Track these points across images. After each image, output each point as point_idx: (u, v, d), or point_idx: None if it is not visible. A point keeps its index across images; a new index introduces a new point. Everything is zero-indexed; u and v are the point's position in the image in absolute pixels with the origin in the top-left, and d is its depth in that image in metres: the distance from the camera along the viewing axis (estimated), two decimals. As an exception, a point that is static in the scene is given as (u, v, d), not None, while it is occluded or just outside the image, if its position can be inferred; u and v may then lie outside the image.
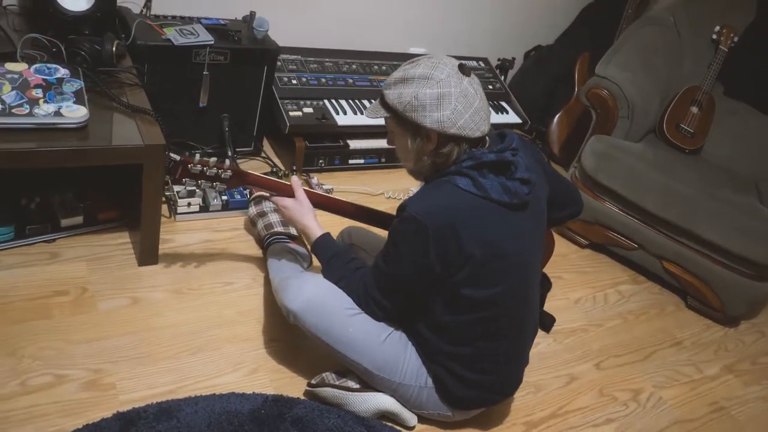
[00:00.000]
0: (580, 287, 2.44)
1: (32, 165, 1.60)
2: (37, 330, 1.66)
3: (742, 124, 2.75)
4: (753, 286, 2.36)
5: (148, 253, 1.92)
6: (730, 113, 2.77)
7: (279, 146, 2.61)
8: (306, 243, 1.75)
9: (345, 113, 2.54)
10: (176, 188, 2.09)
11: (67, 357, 1.61)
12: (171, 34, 2.13)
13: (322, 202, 1.81)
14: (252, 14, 2.33)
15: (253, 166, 2.50)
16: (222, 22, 2.33)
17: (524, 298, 1.60)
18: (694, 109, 2.70)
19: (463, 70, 1.45)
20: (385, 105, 1.50)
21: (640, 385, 2.08)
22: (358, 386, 1.66)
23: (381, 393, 1.66)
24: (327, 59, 2.67)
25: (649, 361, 2.20)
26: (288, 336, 1.85)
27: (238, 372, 1.72)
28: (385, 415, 1.68)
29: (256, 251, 2.12)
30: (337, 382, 1.67)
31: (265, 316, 1.90)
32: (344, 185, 2.57)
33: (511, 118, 2.97)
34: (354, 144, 2.59)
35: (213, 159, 1.67)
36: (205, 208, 2.15)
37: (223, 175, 1.69)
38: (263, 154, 2.57)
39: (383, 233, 1.90)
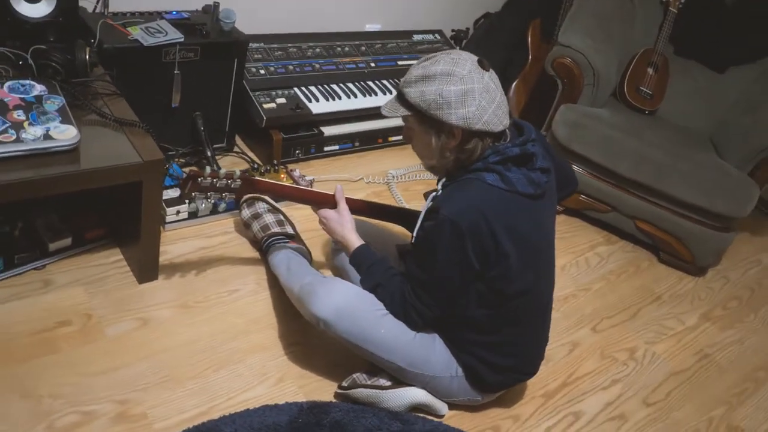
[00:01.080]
0: (562, 254, 2.53)
1: (28, 196, 1.48)
2: (48, 366, 1.57)
3: (693, 82, 2.89)
4: (720, 237, 2.52)
5: (147, 270, 1.84)
6: (682, 72, 2.89)
7: (252, 140, 2.53)
8: (345, 252, 1.72)
9: (317, 100, 2.49)
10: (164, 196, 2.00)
11: (87, 391, 1.54)
12: (137, 34, 1.99)
13: (361, 209, 1.79)
14: (215, 5, 2.21)
15: (230, 163, 2.42)
16: (185, 16, 2.20)
17: (547, 281, 1.65)
18: (651, 71, 2.80)
19: (483, 65, 1.45)
20: (406, 103, 1.48)
21: (634, 344, 2.20)
22: (389, 383, 1.68)
23: (413, 387, 1.68)
24: (290, 45, 2.58)
25: (637, 319, 2.33)
26: (305, 339, 1.83)
27: (265, 383, 1.69)
28: (418, 407, 1.71)
29: (253, 254, 2.07)
30: (369, 382, 1.68)
31: (278, 322, 1.87)
32: (323, 174, 2.53)
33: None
34: (328, 131, 2.55)
35: (222, 170, 1.60)
36: (193, 214, 2.07)
37: (233, 185, 1.63)
38: (237, 149, 2.48)
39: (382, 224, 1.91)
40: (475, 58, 1.46)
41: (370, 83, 2.70)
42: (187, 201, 1.71)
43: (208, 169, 1.57)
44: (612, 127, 2.54)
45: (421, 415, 1.71)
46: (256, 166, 2.33)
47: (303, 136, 2.47)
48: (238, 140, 2.55)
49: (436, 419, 1.72)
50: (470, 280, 1.50)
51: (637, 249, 2.72)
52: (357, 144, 2.69)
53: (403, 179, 2.66)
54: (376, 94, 2.65)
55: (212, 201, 1.62)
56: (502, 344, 1.62)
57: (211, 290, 1.90)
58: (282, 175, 2.31)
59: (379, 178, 2.62)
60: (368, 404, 1.68)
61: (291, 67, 2.51)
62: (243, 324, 1.83)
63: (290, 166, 2.42)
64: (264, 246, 1.98)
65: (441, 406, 1.72)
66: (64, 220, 1.85)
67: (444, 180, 1.56)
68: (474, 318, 1.57)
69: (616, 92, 2.80)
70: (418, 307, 1.55)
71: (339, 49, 2.70)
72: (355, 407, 1.68)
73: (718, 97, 2.86)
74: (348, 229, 1.68)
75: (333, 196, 1.72)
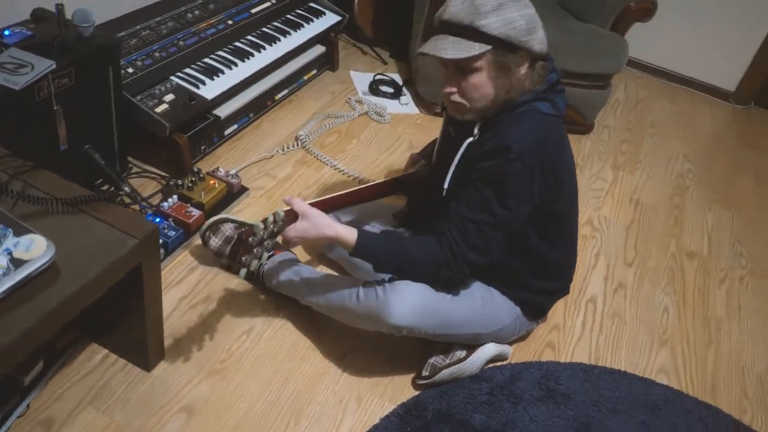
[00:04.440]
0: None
1: (23, 354, 1.12)
2: None
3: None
4: (601, 94, 2.75)
5: (155, 353, 1.53)
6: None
7: (149, 152, 2.11)
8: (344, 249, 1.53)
9: (204, 83, 2.13)
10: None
11: None
12: (-4, 77, 1.50)
13: (336, 204, 1.60)
14: (60, 7, 1.72)
15: (139, 186, 2.01)
16: (27, 33, 1.69)
17: (577, 196, 1.67)
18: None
19: None
20: (483, 37, 1.31)
21: (587, 215, 2.39)
22: (465, 352, 1.65)
23: (483, 345, 1.66)
24: (139, 27, 2.14)
25: (574, 192, 2.51)
26: (350, 346, 1.70)
27: (348, 410, 1.56)
28: (491, 360, 1.71)
29: (237, 282, 1.81)
30: (447, 361, 1.64)
31: (313, 341, 1.70)
32: (237, 162, 2.24)
33: (331, 18, 2.77)
34: (221, 112, 2.22)
35: (266, 219, 1.32)
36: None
37: (276, 229, 1.36)
38: (136, 169, 2.08)
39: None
40: None
41: (239, 44, 2.37)
42: (242, 270, 1.35)
43: (260, 224, 1.28)
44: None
45: (493, 365, 1.73)
46: (174, 182, 1.98)
47: (203, 128, 2.13)
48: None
49: (506, 364, 1.75)
50: (532, 211, 1.46)
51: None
52: (252, 115, 2.40)
53: (315, 135, 2.46)
54: (252, 55, 2.34)
55: (260, 256, 1.34)
56: (551, 267, 1.65)
57: (227, 341, 1.65)
58: (212, 182, 2.00)
59: (291, 143, 2.39)
60: (452, 380, 1.65)
61: (157, 54, 2.09)
62: (283, 361, 1.64)
63: (204, 173, 2.09)
64: (255, 273, 1.75)
65: (508, 350, 1.75)
66: (23, 342, 1.44)
67: (480, 123, 1.45)
68: (526, 249, 1.55)
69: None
70: (470, 259, 1.44)
71: (189, 15, 2.30)
72: (442, 389, 1.64)
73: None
74: (325, 226, 1.42)
75: (384, 182, 1.52)
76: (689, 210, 2.56)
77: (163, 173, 2.09)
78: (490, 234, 1.42)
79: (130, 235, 1.28)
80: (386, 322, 1.46)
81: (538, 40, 1.36)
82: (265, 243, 1.31)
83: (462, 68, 1.38)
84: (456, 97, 1.43)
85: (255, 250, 1.29)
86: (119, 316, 1.48)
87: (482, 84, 1.38)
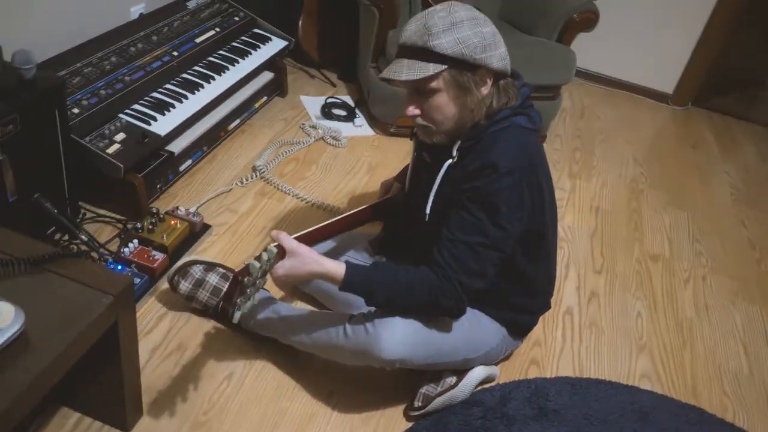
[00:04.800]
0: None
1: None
2: None
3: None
4: (552, 105, 2.80)
5: (133, 411, 1.43)
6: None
7: (101, 196, 1.99)
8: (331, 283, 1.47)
9: (155, 119, 2.04)
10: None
11: None
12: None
13: (318, 237, 1.54)
14: (-4, 49, 1.61)
15: (95, 232, 1.90)
16: (-38, 78, 1.57)
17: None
18: (435, -29, 2.83)
19: None
20: (436, 57, 1.29)
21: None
22: (455, 378, 1.62)
23: (472, 369, 1.63)
24: (79, 65, 2.03)
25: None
26: (336, 381, 1.64)
27: (343, 450, 1.50)
28: (480, 383, 1.68)
29: (210, 326, 1.72)
30: (439, 389, 1.60)
31: (297, 381, 1.63)
32: (196, 199, 2.15)
33: (277, 44, 2.71)
34: (174, 148, 2.13)
35: (259, 259, 1.25)
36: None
37: (267, 267, 1.29)
38: (88, 216, 1.96)
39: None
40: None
41: (187, 76, 2.29)
42: (237, 313, 1.27)
43: (256, 264, 1.21)
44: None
45: (482, 387, 1.70)
46: (133, 225, 1.87)
47: (158, 166, 2.03)
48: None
49: (495, 385, 1.73)
50: (522, 229, 1.43)
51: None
52: (205, 148, 2.31)
53: (273, 164, 2.39)
54: (202, 87, 2.26)
55: (252, 297, 1.27)
56: (535, 285, 1.64)
57: (207, 390, 1.56)
58: (173, 222, 1.90)
59: (249, 175, 2.31)
60: (444, 408, 1.61)
61: (102, 92, 1.98)
62: (269, 405, 1.56)
63: (163, 213, 2.00)
64: (229, 314, 1.67)
65: (495, 371, 1.72)
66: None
67: (460, 143, 1.42)
68: (511, 269, 1.52)
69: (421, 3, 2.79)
70: (467, 284, 1.39)
71: (132, 49, 2.20)
72: (435, 417, 1.60)
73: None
74: (314, 263, 1.36)
75: (363, 209, 1.48)
76: (647, 213, 2.63)
77: (118, 216, 1.98)
78: (485, 256, 1.38)
79: (104, 292, 1.19)
80: (378, 357, 1.41)
81: (498, 57, 1.34)
82: (258, 282, 1.25)
83: (421, 90, 1.36)
84: (420, 120, 1.41)
85: (248, 290, 1.22)
86: (92, 376, 1.37)
87: (444, 105, 1.36)
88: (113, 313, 1.20)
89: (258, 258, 1.24)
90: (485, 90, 1.35)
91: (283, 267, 1.33)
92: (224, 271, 1.74)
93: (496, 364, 1.74)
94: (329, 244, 1.75)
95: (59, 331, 1.10)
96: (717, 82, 3.62)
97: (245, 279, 1.20)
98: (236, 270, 1.19)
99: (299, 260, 1.34)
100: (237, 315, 1.23)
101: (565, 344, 1.92)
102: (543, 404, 1.70)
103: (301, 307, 1.80)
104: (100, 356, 1.30)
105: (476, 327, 1.57)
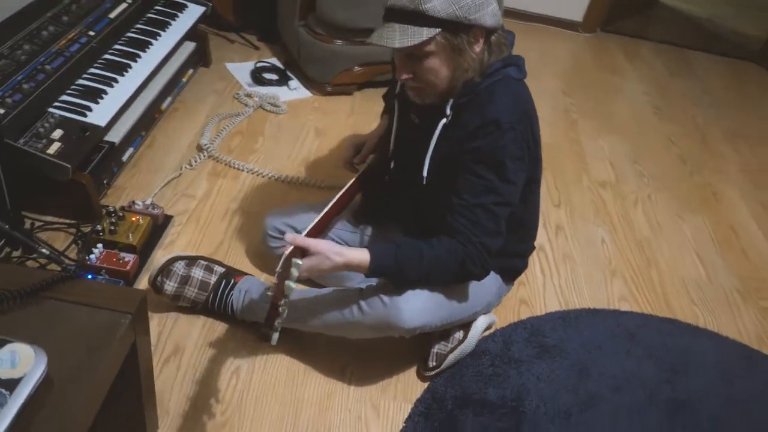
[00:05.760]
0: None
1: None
2: None
3: None
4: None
5: (152, 428, 1.34)
6: None
7: (46, 201, 1.80)
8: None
9: (90, 110, 1.85)
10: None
11: None
12: None
13: (326, 223, 1.48)
14: None
15: (51, 239, 1.72)
16: None
17: None
18: None
19: None
20: (429, 21, 1.24)
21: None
22: (462, 332, 1.64)
23: (475, 321, 1.66)
24: (-10, 57, 1.79)
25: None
26: (346, 357, 1.62)
27: (369, 422, 1.50)
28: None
29: (202, 323, 1.63)
30: (450, 346, 1.61)
31: (307, 363, 1.59)
32: (147, 189, 2.00)
33: (195, 10, 2.50)
34: (113, 137, 1.95)
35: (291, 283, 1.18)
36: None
37: (288, 270, 1.22)
38: (38, 223, 1.77)
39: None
40: None
41: (111, 57, 2.08)
42: (275, 335, 1.19)
43: (292, 285, 1.13)
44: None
45: (485, 336, 1.74)
46: (93, 229, 1.71)
47: (101, 160, 1.86)
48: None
49: (495, 331, 1.77)
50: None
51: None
52: (144, 133, 2.14)
53: (218, 140, 2.25)
54: (130, 67, 2.07)
55: (284, 312, 1.19)
56: (526, 230, 1.67)
57: (219, 389, 1.49)
58: (134, 218, 1.76)
59: (196, 156, 2.17)
60: (456, 362, 1.63)
61: (25, 86, 1.76)
62: (285, 392, 1.51)
63: (120, 208, 1.84)
64: (223, 307, 1.59)
65: (494, 318, 1.76)
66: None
67: (453, 100, 1.39)
68: (510, 218, 1.49)
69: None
70: (489, 245, 1.39)
71: (44, 33, 1.96)
72: (448, 374, 1.63)
73: None
74: (335, 255, 1.31)
75: (353, 183, 1.46)
76: (585, 142, 2.72)
77: (68, 221, 1.81)
78: (500, 213, 1.38)
79: (120, 312, 1.09)
80: (401, 328, 1.40)
81: (490, 14, 1.30)
82: (288, 297, 1.18)
83: (414, 55, 1.31)
84: (413, 83, 1.37)
85: (280, 308, 1.16)
86: (109, 400, 1.27)
87: (437, 67, 1.33)
88: (132, 333, 1.11)
89: (288, 276, 1.17)
90: (478, 48, 1.32)
91: (306, 267, 1.27)
92: (206, 263, 1.65)
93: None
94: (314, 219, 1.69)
95: (84, 364, 1.00)
96: (618, 5, 3.76)
97: (283, 302, 1.13)
98: (270, 293, 1.11)
99: (321, 257, 1.28)
100: (275, 337, 1.17)
101: (546, 280, 1.99)
102: (542, 341, 1.76)
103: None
104: (117, 379, 1.20)
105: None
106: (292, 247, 1.24)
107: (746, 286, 2.10)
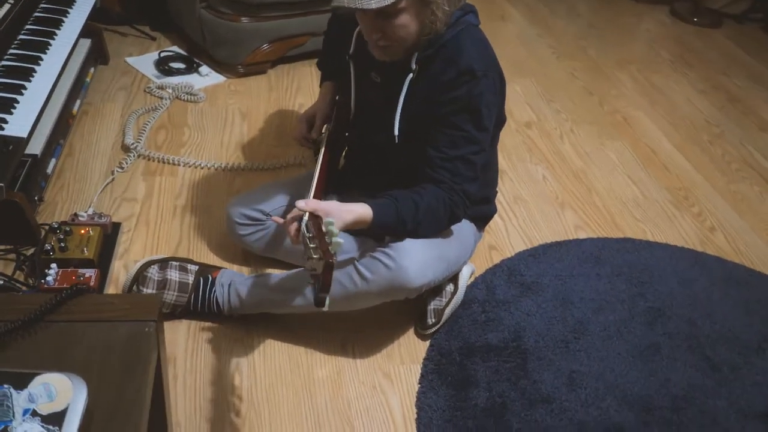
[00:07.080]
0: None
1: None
2: None
3: None
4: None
5: (172, 443, 1.25)
6: None
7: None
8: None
9: (6, 121, 1.64)
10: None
11: None
12: None
13: (322, 186, 1.43)
14: None
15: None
16: None
17: None
18: None
19: None
20: None
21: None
22: (452, 285, 1.66)
23: (460, 272, 1.68)
24: None
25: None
26: (343, 331, 1.59)
27: (385, 390, 1.49)
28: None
29: (184, 326, 1.54)
30: (445, 300, 1.63)
31: (307, 345, 1.55)
32: (82, 201, 1.83)
33: (84, 4, 2.26)
34: (33, 149, 1.76)
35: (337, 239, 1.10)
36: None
37: (321, 231, 1.15)
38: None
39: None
40: None
41: (9, 63, 1.85)
42: (327, 298, 1.11)
43: (339, 240, 1.08)
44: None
45: (468, 285, 1.76)
46: (44, 249, 1.54)
47: (28, 175, 1.68)
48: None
49: (476, 279, 1.80)
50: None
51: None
52: (62, 141, 1.95)
53: (143, 138, 2.09)
54: (35, 71, 1.86)
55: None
56: (492, 175, 1.71)
57: (225, 391, 1.42)
58: (82, 231, 1.61)
59: (125, 157, 2.01)
60: (451, 315, 1.65)
61: None
62: (294, 380, 1.47)
63: (64, 222, 1.68)
64: (207, 305, 1.51)
65: (473, 266, 1.79)
66: None
67: (417, 54, 1.38)
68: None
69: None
70: (468, 191, 1.42)
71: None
72: (446, 328, 1.65)
73: None
74: (345, 212, 1.31)
75: (325, 149, 1.45)
76: (501, 88, 2.80)
77: (5, 247, 1.63)
78: (477, 162, 1.41)
79: (142, 321, 1.00)
80: (409, 288, 1.39)
81: None
82: (337, 255, 1.13)
83: (384, 12, 1.29)
84: (382, 42, 1.35)
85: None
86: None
87: (408, 23, 1.32)
88: (156, 341, 1.02)
89: (330, 234, 1.10)
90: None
91: (328, 209, 1.26)
92: (178, 263, 1.55)
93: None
94: (283, 199, 1.62)
95: (123, 382, 0.91)
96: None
97: (333, 260, 1.07)
98: (326, 255, 1.03)
99: (334, 216, 1.25)
100: (328, 301, 1.11)
101: (506, 223, 2.04)
102: (521, 280, 1.82)
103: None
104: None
105: (462, 229, 1.59)
106: (307, 213, 1.20)
107: (676, 196, 2.27)
